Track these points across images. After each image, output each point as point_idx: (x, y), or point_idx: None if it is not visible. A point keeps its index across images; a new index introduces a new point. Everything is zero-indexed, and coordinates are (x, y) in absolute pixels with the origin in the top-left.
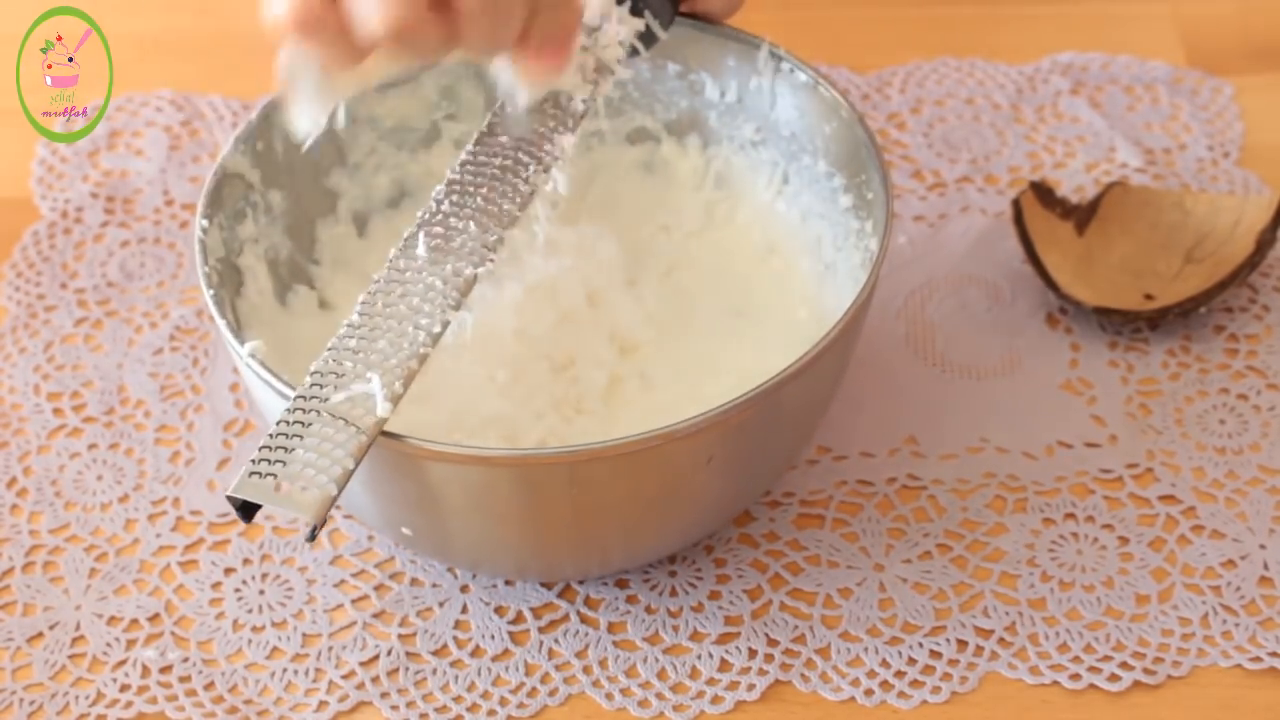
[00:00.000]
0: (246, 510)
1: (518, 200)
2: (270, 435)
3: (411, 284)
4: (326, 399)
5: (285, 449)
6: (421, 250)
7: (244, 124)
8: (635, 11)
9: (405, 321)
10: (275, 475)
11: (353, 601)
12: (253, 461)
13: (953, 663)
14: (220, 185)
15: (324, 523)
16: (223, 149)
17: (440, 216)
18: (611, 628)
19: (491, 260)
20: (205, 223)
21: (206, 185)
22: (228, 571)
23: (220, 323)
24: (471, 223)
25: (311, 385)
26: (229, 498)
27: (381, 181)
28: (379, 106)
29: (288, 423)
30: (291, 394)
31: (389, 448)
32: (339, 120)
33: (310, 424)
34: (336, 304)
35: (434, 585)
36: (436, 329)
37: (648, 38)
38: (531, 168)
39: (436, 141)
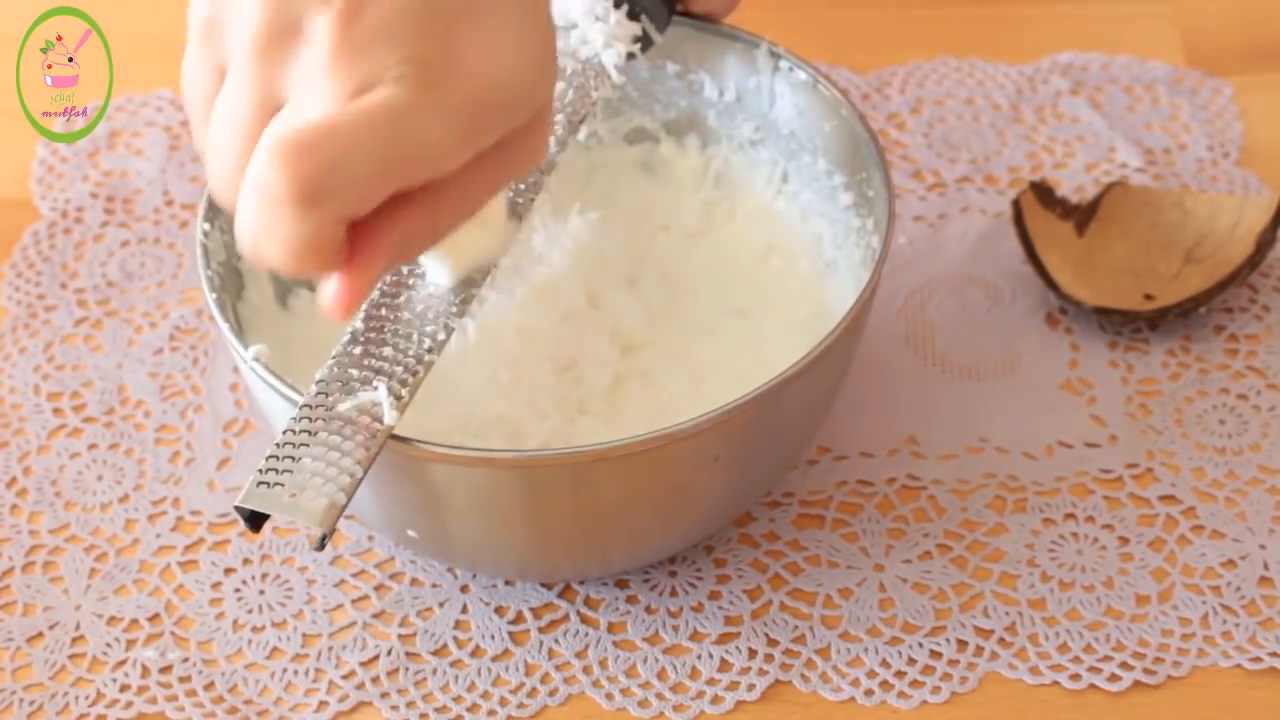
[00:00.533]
0: (255, 520)
1: (520, 205)
2: (277, 444)
3: (415, 290)
4: (333, 407)
5: (293, 458)
6: (424, 256)
7: None
8: (632, 15)
9: (410, 328)
10: (283, 484)
11: (353, 601)
12: (260, 471)
13: (953, 663)
14: None
15: (333, 532)
16: None
17: None
18: (611, 628)
19: (495, 265)
20: (207, 226)
21: (207, 189)
22: (228, 571)
23: (224, 326)
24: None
25: (317, 394)
26: (237, 508)
27: None
28: None
29: (294, 431)
30: (298, 401)
31: (393, 450)
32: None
33: (317, 432)
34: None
35: (434, 585)
36: (442, 336)
37: (644, 41)
38: (532, 174)
39: None
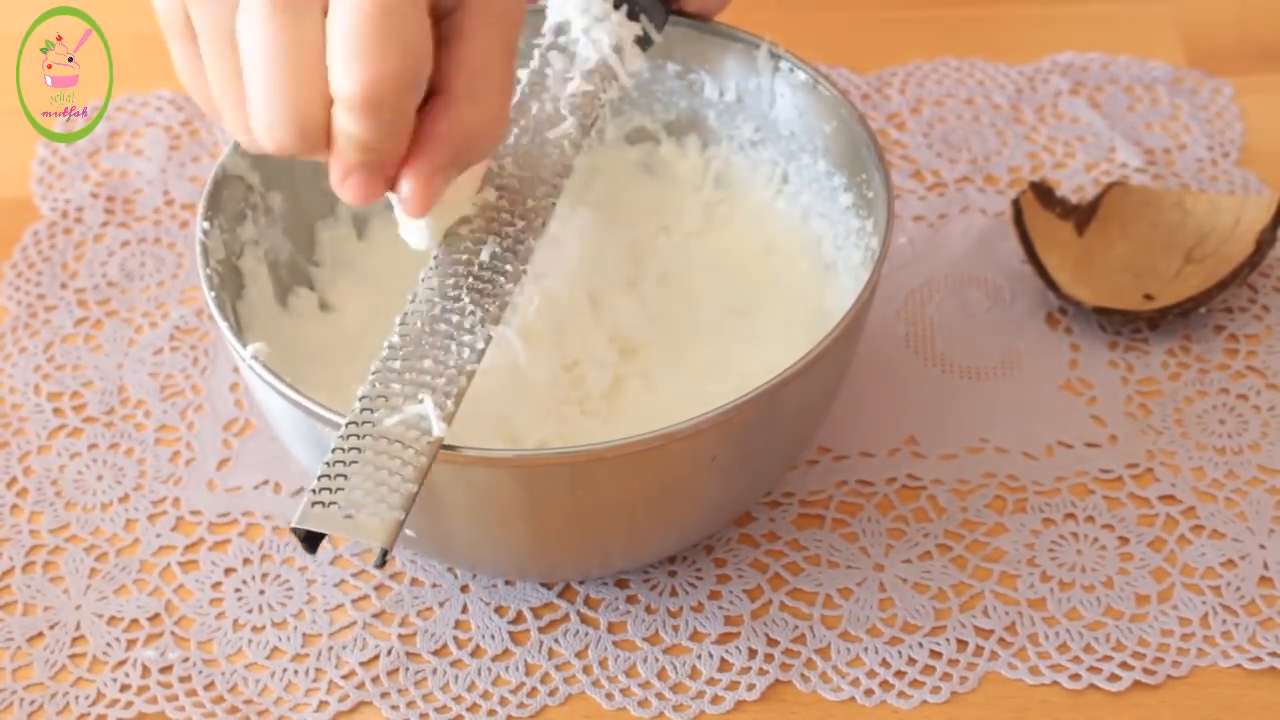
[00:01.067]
0: (310, 541)
1: (543, 210)
2: (327, 464)
3: (449, 301)
4: (379, 423)
5: (344, 476)
6: (455, 267)
7: None
8: (631, 15)
9: (448, 340)
10: (338, 504)
11: (353, 601)
12: (313, 491)
13: (953, 663)
14: (220, 187)
15: (393, 547)
16: (223, 150)
17: (465, 231)
18: (611, 628)
19: (525, 272)
20: (206, 224)
21: (207, 187)
22: (228, 571)
23: (223, 325)
24: (497, 236)
25: (362, 410)
26: (294, 529)
27: None
28: None
29: (343, 450)
30: (342, 421)
31: None
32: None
33: (365, 450)
34: (337, 306)
35: (434, 585)
36: (480, 345)
37: (643, 41)
38: (550, 180)
39: None
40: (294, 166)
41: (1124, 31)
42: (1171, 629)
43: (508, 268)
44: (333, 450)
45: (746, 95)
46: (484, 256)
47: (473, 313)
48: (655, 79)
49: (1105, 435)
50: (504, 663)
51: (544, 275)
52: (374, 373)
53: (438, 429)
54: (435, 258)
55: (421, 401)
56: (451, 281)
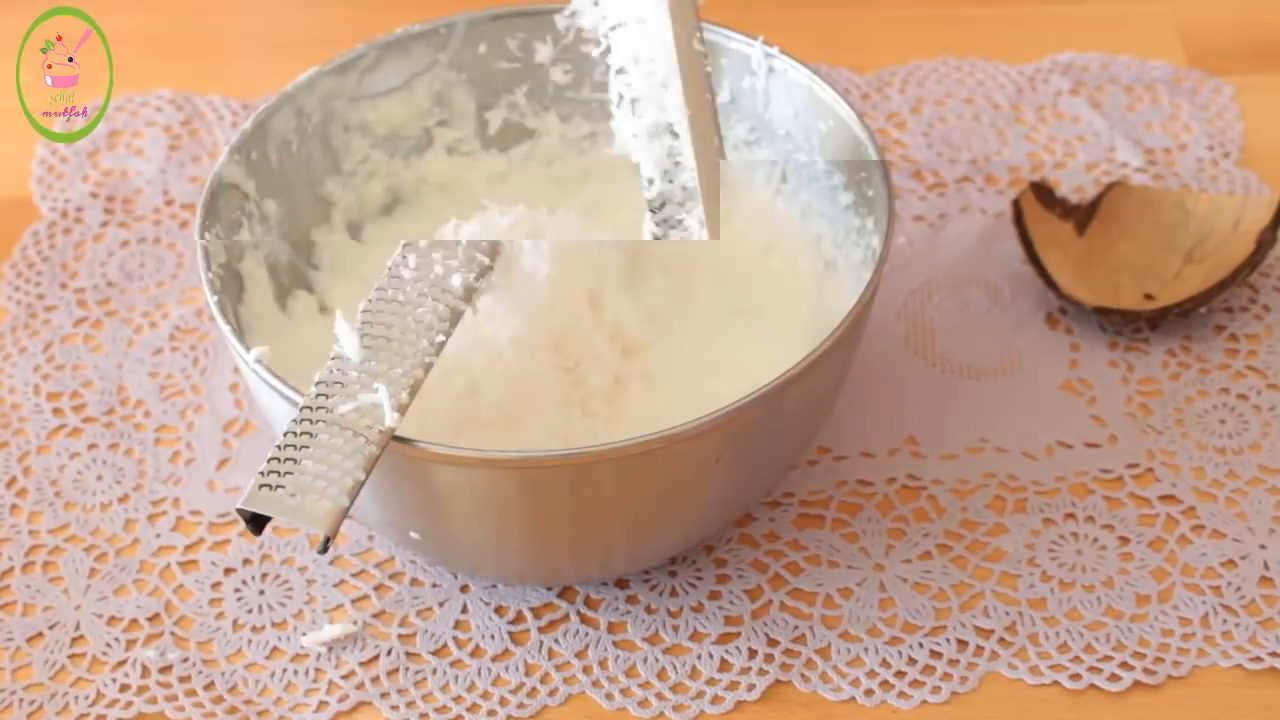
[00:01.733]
0: (256, 522)
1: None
2: (278, 446)
3: (412, 292)
4: (333, 409)
5: (294, 460)
6: (421, 257)
7: (238, 133)
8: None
9: (409, 331)
10: (285, 487)
11: (353, 601)
12: (262, 473)
13: (953, 663)
14: (216, 196)
15: (336, 534)
16: (218, 159)
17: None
18: (611, 628)
19: (490, 267)
20: (207, 228)
21: (203, 196)
22: (228, 571)
23: (225, 328)
24: (467, 230)
25: (317, 395)
26: (239, 510)
27: (375, 189)
28: (371, 113)
29: (295, 434)
30: (298, 403)
31: (394, 451)
32: None
33: (318, 435)
34: (337, 308)
35: (434, 585)
36: (440, 339)
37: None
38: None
39: (429, 148)
40: (288, 173)
41: (1124, 31)
42: (1172, 629)
43: (473, 262)
44: (285, 433)
45: (741, 95)
46: (452, 243)
47: (434, 305)
48: None
49: (1105, 435)
50: (504, 663)
51: (544, 276)
52: (333, 358)
53: (390, 419)
54: (402, 246)
55: (376, 390)
56: (416, 273)
